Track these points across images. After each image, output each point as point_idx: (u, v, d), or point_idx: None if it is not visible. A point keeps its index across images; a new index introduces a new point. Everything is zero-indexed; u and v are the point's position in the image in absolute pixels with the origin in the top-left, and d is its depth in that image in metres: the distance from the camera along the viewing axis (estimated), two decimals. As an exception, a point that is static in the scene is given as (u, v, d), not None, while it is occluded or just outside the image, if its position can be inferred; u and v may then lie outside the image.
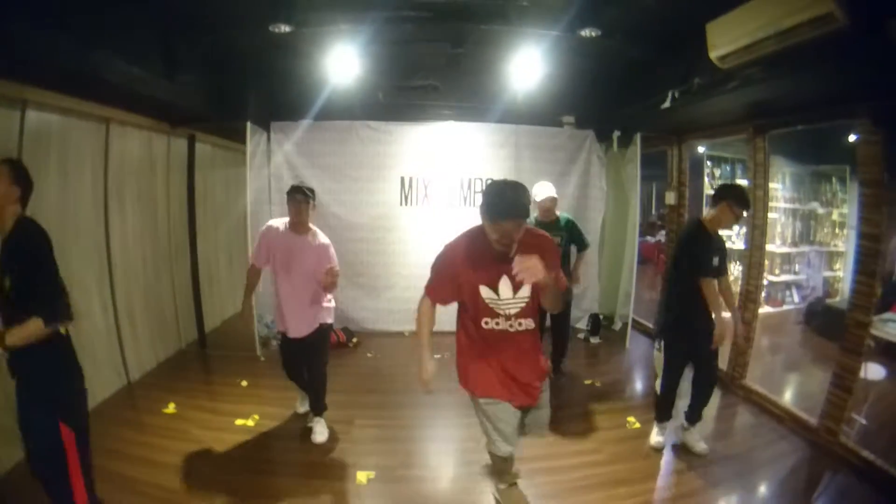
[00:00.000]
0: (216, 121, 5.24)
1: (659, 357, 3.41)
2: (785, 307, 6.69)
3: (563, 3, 3.62)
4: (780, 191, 6.38)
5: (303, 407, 3.95)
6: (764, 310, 6.43)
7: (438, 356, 4.81)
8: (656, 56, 4.33)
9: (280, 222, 3.45)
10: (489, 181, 5.71)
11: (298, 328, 3.45)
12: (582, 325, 6.13)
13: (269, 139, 5.65)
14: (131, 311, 4.53)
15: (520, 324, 2.36)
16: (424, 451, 3.54)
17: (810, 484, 3.15)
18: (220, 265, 6.44)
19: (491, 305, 2.32)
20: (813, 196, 6.60)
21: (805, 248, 6.61)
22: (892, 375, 4.39)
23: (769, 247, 6.24)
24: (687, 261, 3.21)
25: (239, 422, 3.79)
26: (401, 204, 5.94)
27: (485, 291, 2.29)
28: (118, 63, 3.43)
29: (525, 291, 2.28)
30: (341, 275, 5.21)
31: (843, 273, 6.60)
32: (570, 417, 3.96)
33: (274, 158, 5.67)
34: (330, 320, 3.61)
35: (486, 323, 2.36)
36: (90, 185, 4.03)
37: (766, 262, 6.35)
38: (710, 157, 6.14)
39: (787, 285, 6.71)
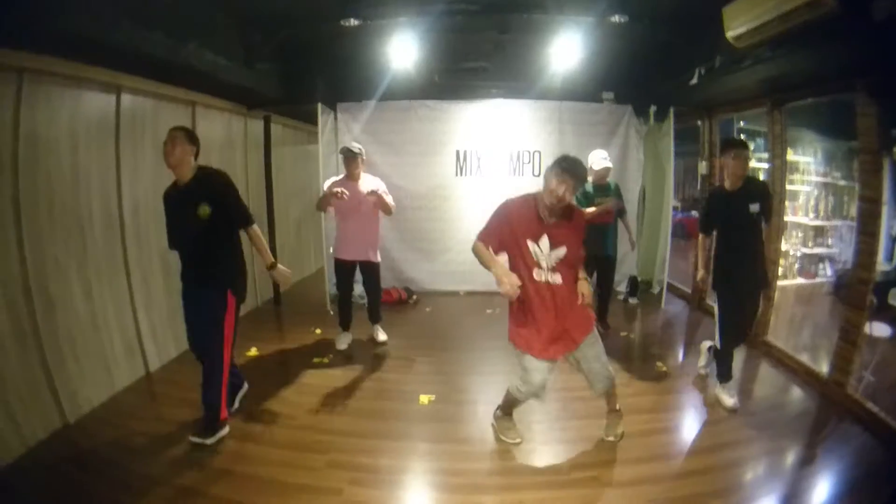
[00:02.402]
0: (289, 103, 5.89)
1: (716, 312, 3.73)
2: (818, 280, 6.74)
3: (593, -6, 4.04)
4: (813, 164, 6.46)
5: (340, 345, 4.68)
6: (797, 281, 6.66)
7: (490, 311, 5.36)
8: (681, 37, 4.64)
9: (339, 178, 4.47)
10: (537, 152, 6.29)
11: (351, 252, 4.49)
12: (622, 288, 6.46)
13: (335, 118, 6.17)
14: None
15: (557, 277, 2.71)
16: (476, 383, 4.04)
17: (816, 427, 3.42)
18: (289, 232, 7.06)
19: (536, 258, 2.69)
20: (847, 171, 6.64)
21: (837, 223, 6.68)
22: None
23: (803, 219, 6.45)
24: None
25: (315, 360, 4.41)
26: (456, 175, 6.42)
27: (531, 245, 2.69)
28: (205, 54, 4.00)
29: (561, 252, 2.69)
30: (402, 239, 5.92)
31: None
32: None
33: (341, 136, 6.16)
34: (378, 259, 4.63)
35: (538, 275, 2.70)
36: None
37: (800, 235, 6.58)
38: (744, 131, 6.29)
39: (821, 258, 6.74)
